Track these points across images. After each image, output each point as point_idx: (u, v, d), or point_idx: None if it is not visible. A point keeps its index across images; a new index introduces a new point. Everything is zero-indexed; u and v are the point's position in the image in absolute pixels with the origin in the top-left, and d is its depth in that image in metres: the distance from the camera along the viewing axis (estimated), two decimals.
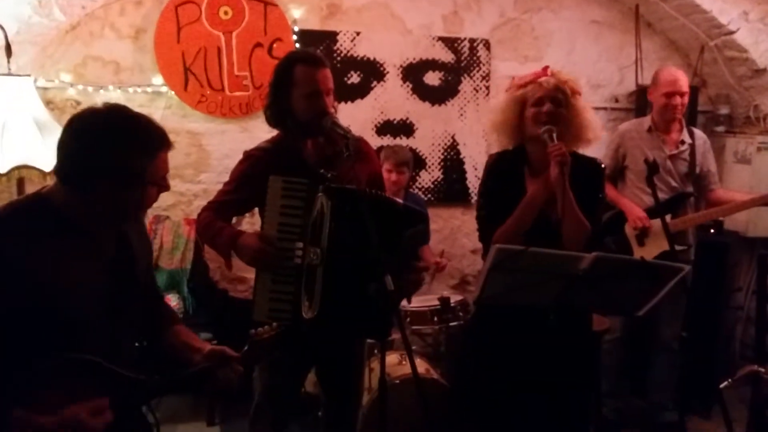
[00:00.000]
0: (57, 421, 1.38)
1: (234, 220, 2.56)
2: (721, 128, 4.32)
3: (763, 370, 2.35)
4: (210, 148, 3.92)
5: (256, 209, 2.34)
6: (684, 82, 3.35)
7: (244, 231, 2.22)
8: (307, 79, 2.19)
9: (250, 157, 2.29)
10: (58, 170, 1.53)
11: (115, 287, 1.59)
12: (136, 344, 1.74)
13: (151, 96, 3.81)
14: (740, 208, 3.38)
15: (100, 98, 3.74)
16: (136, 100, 3.79)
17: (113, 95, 3.75)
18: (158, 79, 3.78)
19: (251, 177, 2.23)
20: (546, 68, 2.28)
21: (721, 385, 2.38)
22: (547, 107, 2.20)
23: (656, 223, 3.23)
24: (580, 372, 2.27)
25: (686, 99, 3.40)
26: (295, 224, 2.09)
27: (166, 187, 1.64)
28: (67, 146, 1.52)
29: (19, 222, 1.48)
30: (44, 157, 3.32)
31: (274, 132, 2.36)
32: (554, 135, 2.16)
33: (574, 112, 2.23)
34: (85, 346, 1.49)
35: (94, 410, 1.43)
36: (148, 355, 1.77)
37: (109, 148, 1.49)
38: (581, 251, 1.98)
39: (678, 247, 3.03)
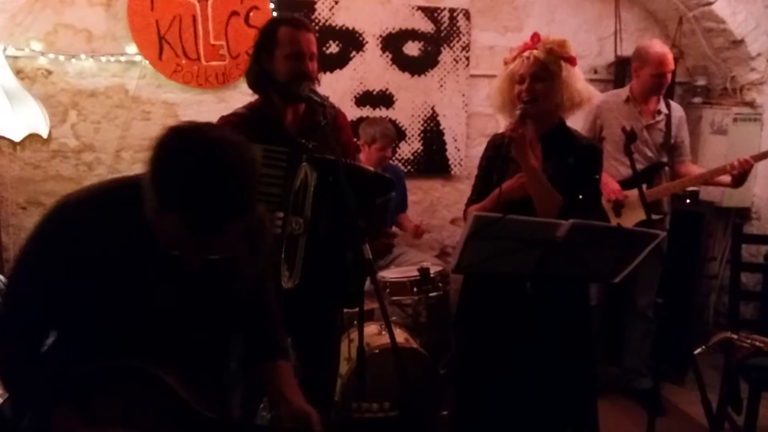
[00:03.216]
0: None
1: None
2: (698, 99, 4.35)
3: (735, 336, 2.39)
4: (186, 119, 3.85)
5: None
6: (671, 59, 3.36)
7: None
8: (290, 40, 2.15)
9: (226, 122, 2.22)
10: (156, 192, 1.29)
11: (193, 302, 1.38)
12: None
13: (125, 65, 3.73)
14: (707, 177, 3.42)
15: (71, 67, 3.66)
16: (109, 70, 3.71)
17: (86, 64, 3.67)
18: (132, 48, 3.69)
19: None
20: (534, 36, 2.25)
21: (695, 352, 2.42)
22: (526, 85, 2.19)
23: (632, 193, 3.26)
24: (571, 342, 2.29)
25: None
26: (274, 194, 2.05)
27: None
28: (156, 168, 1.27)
29: (108, 209, 1.33)
30: (14, 127, 3.25)
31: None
32: (521, 113, 2.17)
33: (561, 84, 2.19)
34: (144, 357, 1.31)
35: None
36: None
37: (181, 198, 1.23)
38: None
39: (654, 216, 3.06)
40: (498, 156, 2.28)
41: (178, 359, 1.36)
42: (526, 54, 2.21)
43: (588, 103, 2.27)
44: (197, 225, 1.23)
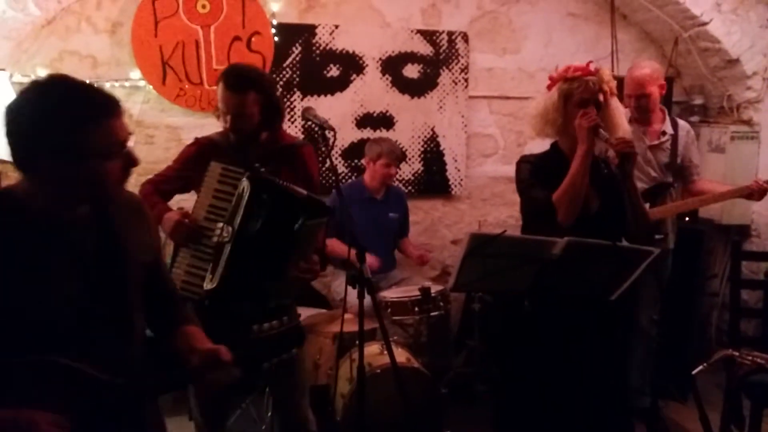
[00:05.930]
0: (12, 415, 1.29)
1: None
2: (695, 118, 4.38)
3: (737, 353, 2.38)
4: (189, 143, 3.90)
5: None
6: (648, 81, 3.31)
7: (172, 208, 2.39)
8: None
9: (198, 142, 2.50)
10: (11, 157, 1.39)
11: (96, 283, 1.44)
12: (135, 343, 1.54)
13: (129, 90, 3.79)
14: (718, 199, 3.41)
15: None
16: (113, 95, 3.76)
17: None
18: (136, 74, 3.76)
19: (196, 159, 2.41)
20: (589, 64, 2.38)
21: (696, 370, 2.41)
22: (590, 110, 2.30)
23: None
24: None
25: (663, 90, 3.43)
26: (222, 207, 2.22)
27: (126, 160, 1.45)
28: (8, 128, 1.37)
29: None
30: None
31: None
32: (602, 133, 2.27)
33: (609, 113, 2.35)
34: (54, 346, 1.36)
35: (54, 423, 1.31)
36: (152, 355, 1.61)
37: (44, 121, 1.34)
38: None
39: (656, 236, 3.07)
40: (541, 169, 2.38)
41: (84, 342, 1.40)
42: (590, 79, 2.32)
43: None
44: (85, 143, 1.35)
